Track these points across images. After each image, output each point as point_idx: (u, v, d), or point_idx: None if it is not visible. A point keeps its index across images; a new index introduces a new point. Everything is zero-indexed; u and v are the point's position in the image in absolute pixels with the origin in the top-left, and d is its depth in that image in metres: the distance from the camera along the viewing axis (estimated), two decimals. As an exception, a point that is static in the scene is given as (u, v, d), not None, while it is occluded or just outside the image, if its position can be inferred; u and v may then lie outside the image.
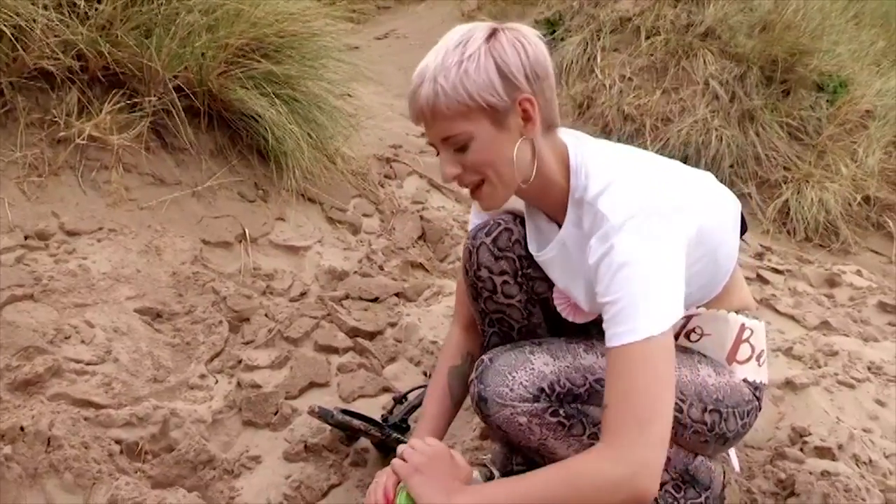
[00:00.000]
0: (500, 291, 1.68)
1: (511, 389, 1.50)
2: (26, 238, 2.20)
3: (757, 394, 1.67)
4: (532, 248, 1.62)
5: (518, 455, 1.81)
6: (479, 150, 1.41)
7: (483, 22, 1.44)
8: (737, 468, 1.93)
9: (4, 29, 2.32)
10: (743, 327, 1.63)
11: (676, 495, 1.68)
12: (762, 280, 3.12)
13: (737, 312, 1.65)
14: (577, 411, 1.54)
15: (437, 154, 1.47)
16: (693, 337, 1.63)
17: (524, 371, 1.52)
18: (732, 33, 4.16)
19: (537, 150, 1.44)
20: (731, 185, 3.87)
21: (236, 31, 2.75)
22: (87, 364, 1.93)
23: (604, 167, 1.47)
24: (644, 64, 4.26)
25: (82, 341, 1.98)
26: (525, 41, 1.40)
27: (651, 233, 1.36)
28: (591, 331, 1.71)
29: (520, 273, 1.67)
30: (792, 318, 2.84)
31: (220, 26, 2.73)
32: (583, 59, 4.42)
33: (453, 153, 1.43)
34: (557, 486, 1.32)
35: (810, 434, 2.12)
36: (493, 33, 1.39)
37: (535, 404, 1.51)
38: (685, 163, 1.68)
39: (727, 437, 1.65)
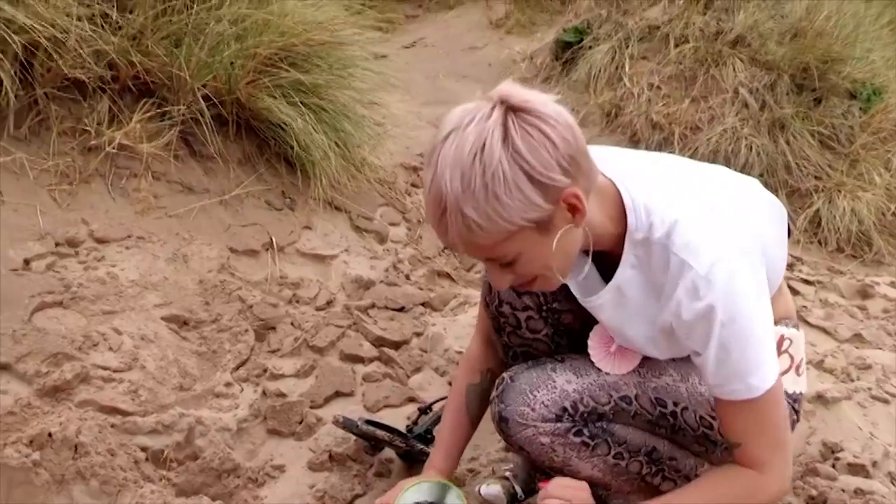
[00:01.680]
0: (525, 327, 1.61)
1: (533, 409, 1.47)
2: (57, 245, 2.23)
3: (796, 406, 1.63)
4: (578, 295, 1.50)
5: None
6: (529, 261, 1.27)
7: (483, 103, 1.20)
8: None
9: (40, 40, 2.35)
10: (782, 338, 1.59)
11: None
12: (793, 291, 3.06)
13: (777, 322, 1.59)
14: (602, 430, 1.51)
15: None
16: None
17: (546, 390, 1.48)
18: (763, 41, 4.11)
19: (586, 222, 1.29)
20: (761, 195, 3.84)
21: (265, 40, 2.76)
22: (115, 371, 1.95)
23: (664, 203, 1.36)
24: (673, 72, 4.21)
25: (110, 348, 2.00)
26: (543, 124, 1.17)
27: (741, 274, 1.30)
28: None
29: (544, 307, 1.60)
30: (823, 330, 2.79)
31: (249, 36, 2.75)
32: (611, 67, 4.39)
33: (501, 267, 1.29)
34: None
35: (843, 450, 2.08)
36: (505, 131, 1.16)
37: (558, 424, 1.48)
38: None
39: None
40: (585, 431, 1.50)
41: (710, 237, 1.32)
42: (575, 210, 1.24)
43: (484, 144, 1.15)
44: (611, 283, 1.42)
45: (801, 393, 1.64)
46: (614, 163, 1.41)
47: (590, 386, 1.50)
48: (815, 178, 3.89)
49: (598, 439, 1.51)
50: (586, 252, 1.36)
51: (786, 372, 1.60)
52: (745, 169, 3.82)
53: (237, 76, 2.70)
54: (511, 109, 1.18)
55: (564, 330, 1.63)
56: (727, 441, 1.41)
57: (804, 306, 2.90)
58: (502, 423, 1.51)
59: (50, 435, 1.61)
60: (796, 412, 1.64)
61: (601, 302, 1.45)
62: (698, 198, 1.40)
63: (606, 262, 1.42)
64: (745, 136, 3.88)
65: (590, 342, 1.54)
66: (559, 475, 1.58)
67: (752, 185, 1.57)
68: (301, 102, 2.79)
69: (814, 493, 1.88)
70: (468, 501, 1.79)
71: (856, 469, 1.98)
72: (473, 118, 1.18)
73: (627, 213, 1.35)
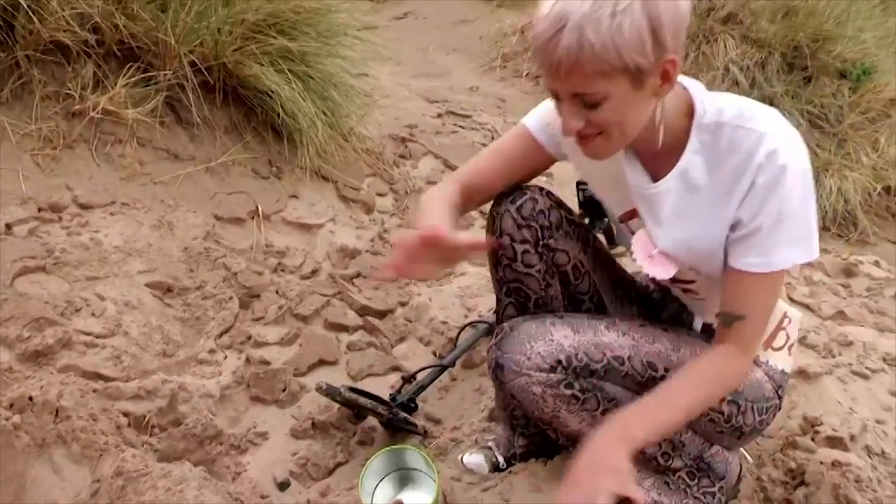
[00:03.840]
0: (520, 260, 1.64)
1: (528, 358, 1.50)
2: (40, 210, 2.21)
3: (780, 392, 1.65)
4: (636, 182, 1.50)
5: (521, 437, 1.81)
6: (612, 109, 1.30)
7: None
8: (749, 458, 1.92)
9: (21, 1, 2.31)
10: (784, 315, 1.63)
11: (690, 482, 1.67)
12: (778, 268, 3.08)
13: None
14: (593, 386, 1.53)
15: (554, 100, 1.36)
16: None
17: (543, 341, 1.51)
18: (754, 18, 4.10)
19: (664, 103, 1.36)
20: (749, 173, 3.84)
21: (252, 6, 2.73)
22: (98, 337, 1.94)
23: (730, 97, 1.42)
24: (664, 47, 4.20)
25: (93, 314, 1.98)
26: None
27: (805, 155, 1.35)
28: (609, 311, 1.71)
29: (541, 243, 1.62)
30: (807, 307, 2.80)
31: (237, 1, 2.72)
32: (602, 41, 4.36)
33: (581, 108, 1.32)
34: (713, 390, 1.46)
35: (822, 424, 2.09)
36: None
37: (551, 375, 1.50)
38: None
39: (743, 430, 1.63)
40: (576, 385, 1.52)
41: (779, 123, 1.37)
42: (666, 78, 1.29)
43: None
44: (675, 168, 1.43)
45: (787, 371, 1.66)
46: (694, 83, 1.47)
47: (586, 343, 1.53)
48: (804, 157, 3.89)
49: (588, 394, 1.53)
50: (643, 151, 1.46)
51: (780, 349, 1.63)
52: (733, 146, 3.82)
53: (224, 42, 2.67)
54: None
55: (556, 271, 1.66)
56: (730, 313, 1.43)
57: (788, 283, 2.91)
58: (497, 370, 1.53)
59: (30, 399, 1.60)
60: (780, 399, 1.66)
61: (665, 188, 1.45)
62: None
63: (666, 162, 1.45)
64: (734, 114, 3.87)
65: (633, 243, 1.56)
66: (548, 428, 1.60)
67: None
68: (288, 70, 2.77)
69: (793, 465, 1.90)
70: (454, 469, 1.82)
71: (834, 442, 1.99)
72: None
73: (696, 104, 1.39)
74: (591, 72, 1.25)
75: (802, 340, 2.53)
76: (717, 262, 1.46)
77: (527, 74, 4.57)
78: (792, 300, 2.82)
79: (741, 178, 1.37)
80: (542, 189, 1.64)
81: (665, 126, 1.39)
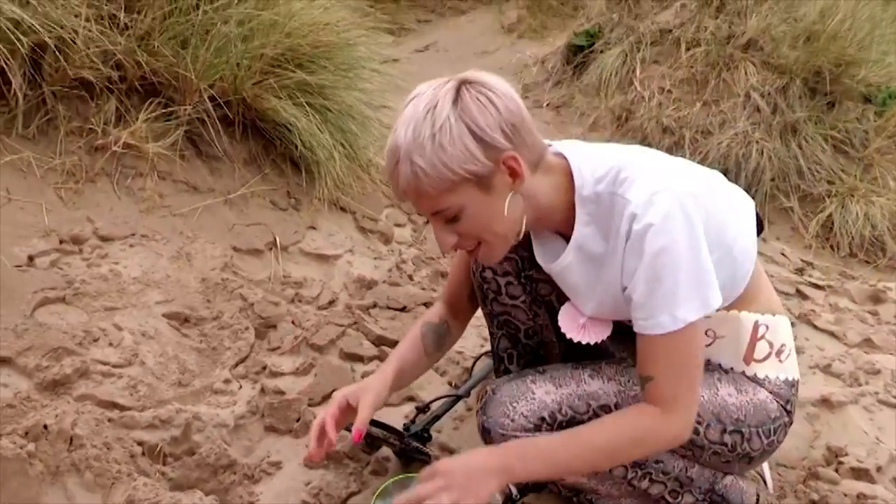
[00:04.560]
0: (505, 293, 1.69)
1: (512, 420, 1.52)
2: (61, 242, 2.25)
3: (788, 406, 1.61)
4: (543, 262, 1.57)
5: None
6: (471, 217, 1.37)
7: (444, 79, 1.36)
8: (770, 489, 1.87)
9: (48, 41, 2.38)
10: (756, 325, 1.59)
11: (705, 516, 1.64)
12: (801, 295, 3.03)
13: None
14: None
15: (427, 222, 1.44)
16: (706, 340, 1.58)
17: (525, 401, 1.53)
18: (775, 44, 4.08)
19: (530, 193, 1.40)
20: (772, 199, 3.81)
21: (271, 41, 2.79)
22: (114, 366, 1.96)
23: (604, 158, 1.44)
24: (684, 76, 4.19)
25: (110, 344, 2.01)
26: (491, 94, 1.32)
27: (680, 203, 1.34)
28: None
29: (522, 274, 1.67)
30: (832, 334, 2.75)
31: (256, 37, 2.77)
32: (622, 71, 4.37)
33: (445, 224, 1.39)
34: (621, 443, 1.42)
35: (847, 455, 2.05)
36: (457, 94, 1.31)
37: (536, 433, 1.51)
38: (725, 174, 1.64)
39: (751, 456, 1.61)
40: None
41: (652, 175, 1.39)
42: (515, 174, 1.35)
43: (436, 104, 1.31)
44: (570, 244, 1.48)
45: (790, 380, 1.62)
46: (576, 146, 1.50)
47: (569, 396, 1.54)
48: (828, 182, 3.85)
49: None
50: (557, 233, 1.51)
51: (766, 359, 1.60)
52: (756, 173, 3.79)
53: (243, 77, 2.72)
54: (465, 81, 1.34)
55: (542, 301, 1.70)
56: (641, 374, 1.43)
57: (812, 310, 2.87)
58: (485, 434, 1.57)
59: (45, 427, 1.62)
60: (788, 414, 1.62)
61: (566, 263, 1.50)
62: (646, 157, 1.48)
63: (567, 235, 1.49)
64: (756, 141, 3.85)
65: (560, 319, 1.59)
66: (547, 482, 1.60)
67: (715, 175, 1.60)
68: (306, 103, 2.81)
69: (815, 497, 1.86)
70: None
71: (859, 474, 1.95)
72: (432, 86, 1.35)
73: (574, 175, 1.43)
74: (434, 192, 1.33)
75: (827, 369, 2.48)
76: None
77: (547, 105, 4.59)
78: (816, 328, 2.78)
79: (618, 245, 1.40)
80: None
81: (551, 206, 1.44)
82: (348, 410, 1.58)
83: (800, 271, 3.32)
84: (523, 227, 1.43)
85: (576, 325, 1.57)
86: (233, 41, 2.71)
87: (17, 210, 2.26)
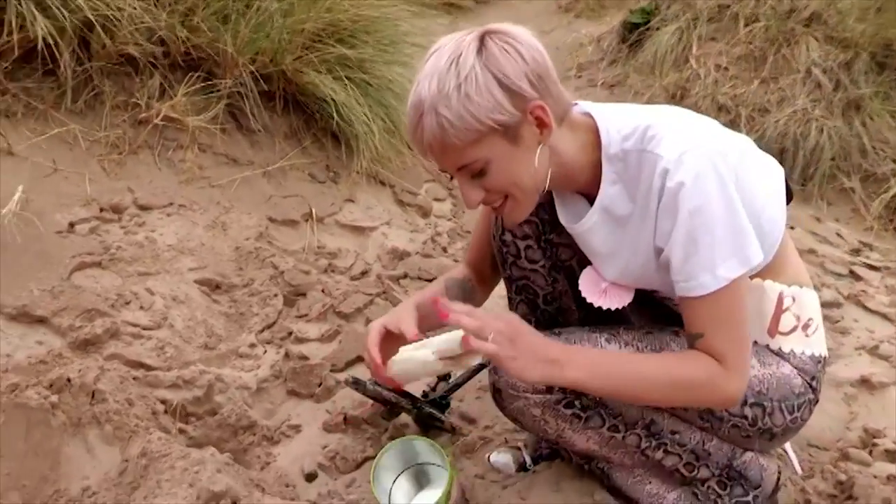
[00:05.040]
0: (524, 256, 1.65)
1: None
2: (101, 210, 2.33)
3: (814, 383, 1.54)
4: (566, 221, 1.53)
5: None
6: (499, 171, 1.33)
7: (465, 31, 1.32)
8: (798, 471, 1.81)
9: (95, 19, 2.46)
10: (781, 296, 1.52)
11: (721, 492, 1.59)
12: (854, 276, 2.91)
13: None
14: (595, 403, 1.49)
15: (451, 178, 1.41)
16: None
17: None
18: (841, 17, 3.90)
19: (556, 148, 1.37)
20: (831, 179, 3.65)
21: (311, 16, 2.82)
22: (144, 328, 2.02)
23: (631, 117, 1.40)
24: (742, 52, 4.06)
25: (141, 307, 2.07)
26: (517, 44, 1.29)
27: (712, 161, 1.30)
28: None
29: (543, 238, 1.62)
30: (884, 316, 2.63)
31: (296, 11, 2.80)
32: (678, 48, 4.26)
33: (471, 179, 1.36)
34: (663, 386, 1.38)
35: (884, 437, 1.96)
36: (481, 44, 1.28)
37: (548, 395, 1.48)
38: (782, 154, 1.58)
39: (773, 432, 1.54)
40: (577, 403, 1.48)
41: (681, 133, 1.34)
42: (542, 124, 1.32)
43: (460, 54, 1.27)
44: (595, 204, 1.44)
45: (817, 356, 1.54)
46: (602, 106, 1.46)
47: None
48: (894, 161, 3.67)
49: (590, 411, 1.49)
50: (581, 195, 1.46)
51: (791, 332, 1.53)
52: (815, 152, 3.64)
53: (283, 51, 2.76)
54: (489, 32, 1.30)
55: (562, 266, 1.65)
56: (689, 333, 1.38)
57: (864, 291, 2.74)
58: (496, 394, 1.54)
59: (69, 380, 1.68)
60: (814, 391, 1.55)
61: (590, 224, 1.46)
62: (673, 115, 1.43)
63: (591, 195, 1.45)
64: (816, 118, 3.69)
65: (581, 283, 1.55)
66: (558, 447, 1.57)
67: (746, 140, 1.53)
68: (346, 77, 2.83)
69: (842, 477, 1.78)
70: (479, 467, 1.79)
71: (893, 456, 1.86)
72: (454, 39, 1.30)
73: (601, 133, 1.39)
74: (461, 145, 1.29)
75: (874, 350, 2.38)
76: (669, 282, 1.40)
77: (602, 83, 4.51)
78: (867, 309, 2.66)
79: (650, 204, 1.35)
80: None
81: (576, 164, 1.40)
82: (389, 337, 1.58)
83: (856, 252, 3.18)
84: (547, 182, 1.39)
85: (597, 290, 1.54)
86: (273, 16, 2.75)
87: (61, 180, 2.35)
